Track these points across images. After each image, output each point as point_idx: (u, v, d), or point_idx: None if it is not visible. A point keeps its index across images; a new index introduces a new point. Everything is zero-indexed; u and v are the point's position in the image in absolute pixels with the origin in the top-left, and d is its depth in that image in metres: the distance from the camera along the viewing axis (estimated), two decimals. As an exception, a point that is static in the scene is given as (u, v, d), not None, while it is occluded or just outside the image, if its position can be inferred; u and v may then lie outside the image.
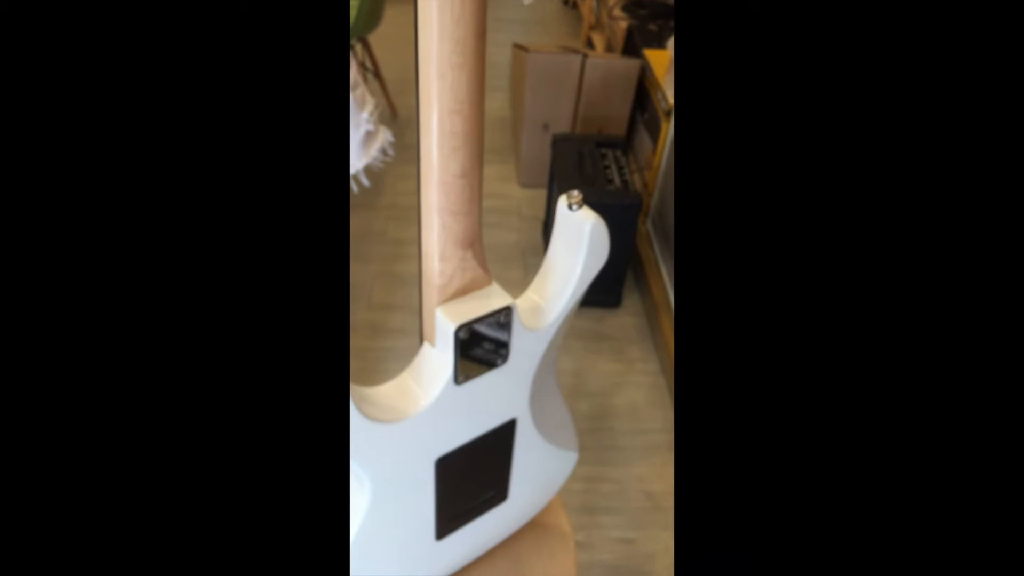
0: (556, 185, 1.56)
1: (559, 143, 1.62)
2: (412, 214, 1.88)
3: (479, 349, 0.47)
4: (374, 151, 0.81)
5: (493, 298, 0.47)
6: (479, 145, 0.40)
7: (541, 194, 1.92)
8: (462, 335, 0.45)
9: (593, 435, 1.27)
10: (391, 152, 0.84)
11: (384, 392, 0.48)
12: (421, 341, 0.49)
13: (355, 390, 0.43)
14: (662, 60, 1.72)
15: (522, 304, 0.51)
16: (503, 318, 0.46)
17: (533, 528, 0.70)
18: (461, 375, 0.47)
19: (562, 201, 0.47)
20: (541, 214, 1.85)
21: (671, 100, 1.55)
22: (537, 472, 0.63)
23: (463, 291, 0.47)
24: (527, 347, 0.50)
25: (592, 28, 2.85)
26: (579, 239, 0.47)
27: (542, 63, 1.76)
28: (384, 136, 0.83)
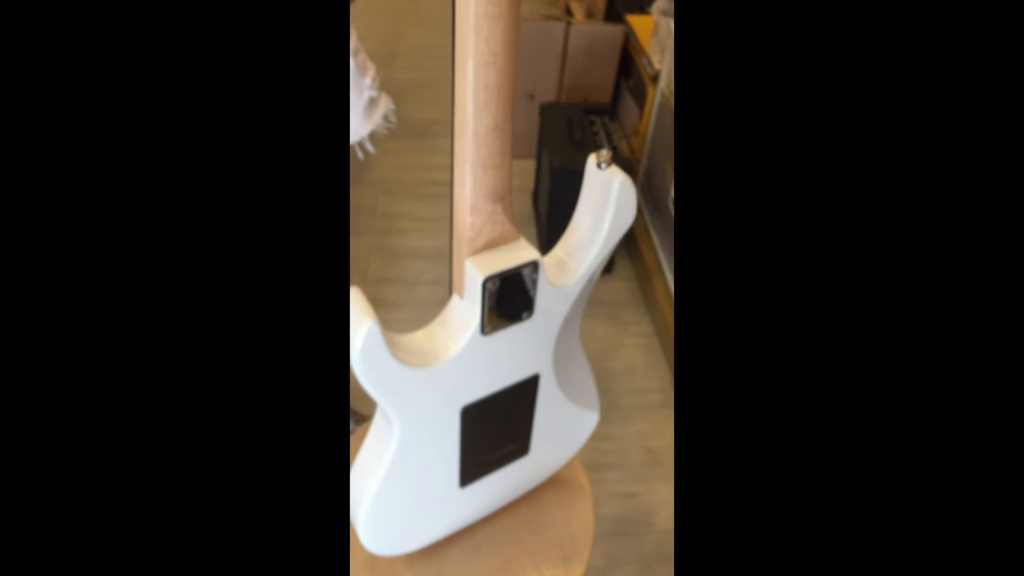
0: (545, 153, 1.57)
1: (547, 111, 1.62)
2: (401, 188, 1.87)
3: (505, 301, 0.49)
4: (377, 117, 0.81)
5: (521, 252, 0.48)
6: (511, 99, 0.42)
7: (528, 164, 1.92)
8: (490, 286, 0.47)
9: (593, 396, 1.31)
10: (394, 119, 0.84)
11: (415, 339, 0.50)
12: (451, 293, 0.51)
13: (388, 335, 0.45)
14: (646, 25, 1.72)
15: (549, 261, 0.52)
16: (530, 272, 0.48)
17: (553, 481, 0.73)
18: (488, 326, 0.48)
19: (591, 160, 0.49)
20: (530, 184, 1.86)
21: (657, 65, 1.56)
22: (558, 429, 0.65)
23: (492, 244, 0.48)
24: (552, 303, 0.51)
25: (570, -3, 2.83)
26: (606, 197, 0.48)
27: (526, 31, 1.76)
28: (386, 103, 0.83)
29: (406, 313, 1.49)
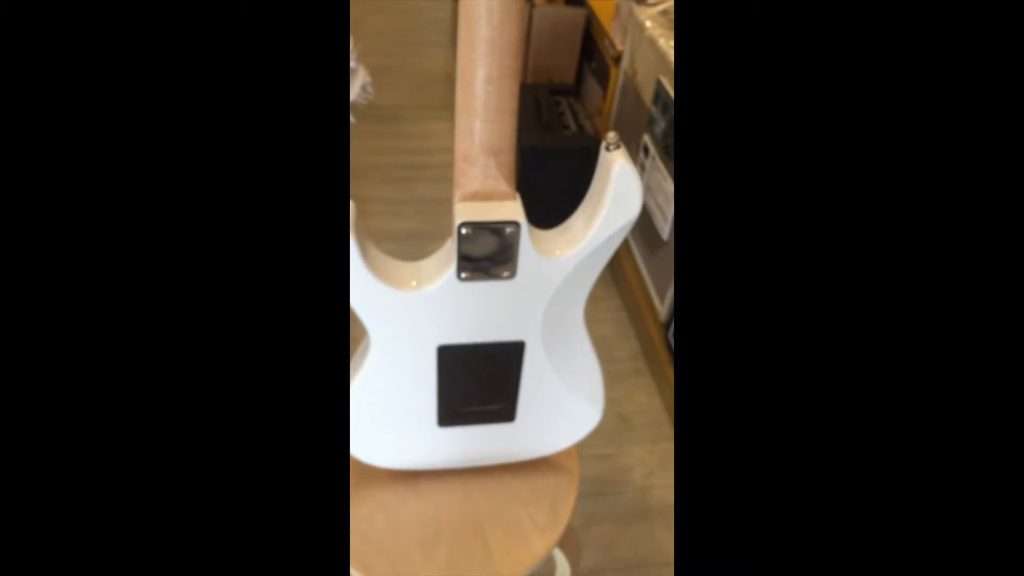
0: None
1: (514, 92, 1.65)
2: (371, 172, 1.88)
3: (482, 255, 0.50)
4: (356, 88, 0.83)
5: (506, 209, 0.50)
6: (510, 55, 0.44)
7: (495, 147, 1.94)
8: (464, 232, 0.49)
9: (567, 366, 1.35)
10: (371, 91, 0.86)
11: (406, 266, 0.53)
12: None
13: (369, 249, 0.49)
14: (607, 8, 1.76)
15: (546, 232, 0.55)
16: (512, 231, 0.49)
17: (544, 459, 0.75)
18: (463, 272, 0.51)
19: (604, 143, 0.49)
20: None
21: (619, 47, 1.60)
22: (550, 411, 0.66)
23: (484, 197, 0.51)
24: (538, 271, 0.53)
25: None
26: (606, 181, 0.50)
27: (490, 14, 1.78)
28: (363, 75, 0.85)
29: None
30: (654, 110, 1.37)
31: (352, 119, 0.82)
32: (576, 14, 1.81)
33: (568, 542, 0.73)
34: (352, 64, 0.79)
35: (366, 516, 0.68)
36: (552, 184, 1.42)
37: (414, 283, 0.52)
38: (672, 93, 1.27)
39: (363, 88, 0.83)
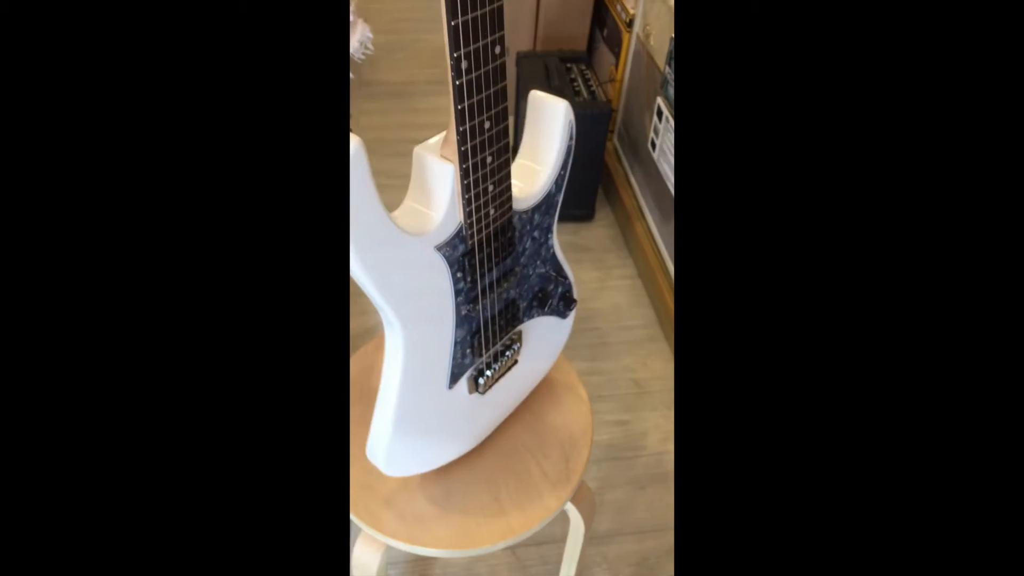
0: (525, 101, 1.57)
1: (524, 60, 1.62)
2: (381, 147, 1.86)
3: None
4: (354, 42, 0.82)
5: None
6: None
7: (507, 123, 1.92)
8: None
9: (583, 335, 1.33)
10: (371, 48, 0.85)
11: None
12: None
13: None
14: (618, -26, 1.72)
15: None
16: None
17: (548, 386, 0.75)
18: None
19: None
20: (510, 140, 1.87)
21: (631, 10, 1.57)
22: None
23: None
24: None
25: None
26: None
27: (499, -17, 1.75)
28: (363, 29, 0.84)
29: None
30: (668, 71, 1.34)
31: (351, 75, 0.81)
32: (586, -20, 1.77)
33: (582, 499, 0.72)
34: (351, 17, 0.77)
35: (375, 471, 0.67)
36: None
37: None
38: (685, 52, 1.23)
39: (362, 43, 0.81)
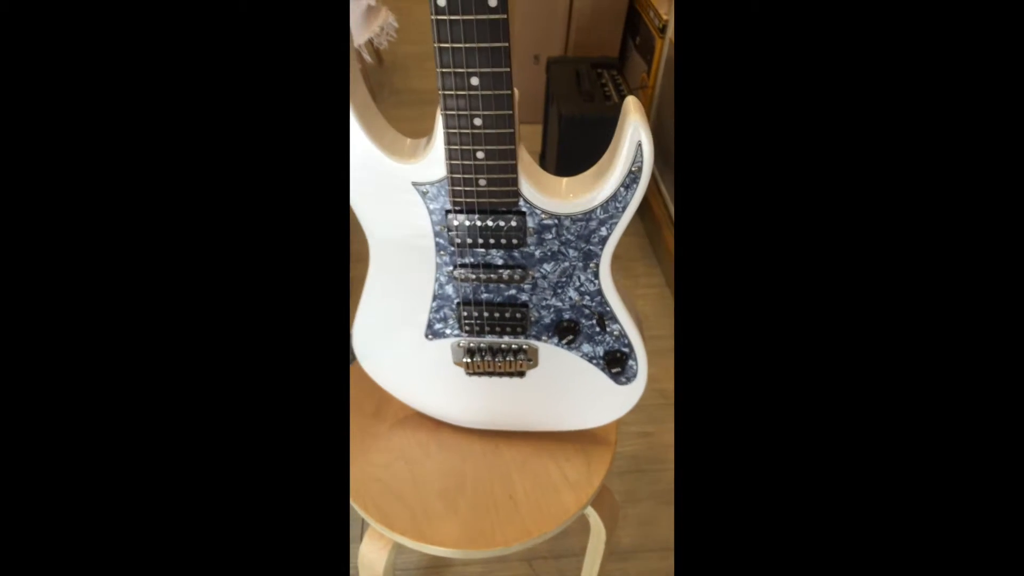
0: (554, 106, 1.55)
1: (554, 65, 1.61)
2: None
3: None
4: (376, 27, 0.81)
5: None
6: None
7: (535, 129, 1.91)
8: None
9: (605, 342, 1.29)
10: (393, 34, 0.84)
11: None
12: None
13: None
14: (651, -18, 1.70)
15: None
16: None
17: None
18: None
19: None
20: (538, 147, 1.85)
21: (664, 16, 1.54)
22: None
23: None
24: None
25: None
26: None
27: (531, -10, 1.74)
28: (386, 15, 0.83)
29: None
30: (700, 75, 1.31)
31: (368, 59, 0.80)
32: (619, -12, 1.75)
33: (603, 503, 0.67)
34: (372, 2, 0.76)
35: (386, 464, 0.64)
36: (591, 155, 1.36)
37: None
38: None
39: (384, 29, 0.80)
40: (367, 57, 0.81)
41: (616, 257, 0.54)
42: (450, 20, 0.41)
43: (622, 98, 1.49)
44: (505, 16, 0.40)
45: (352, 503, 0.61)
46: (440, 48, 0.42)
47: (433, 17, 0.41)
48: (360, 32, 0.79)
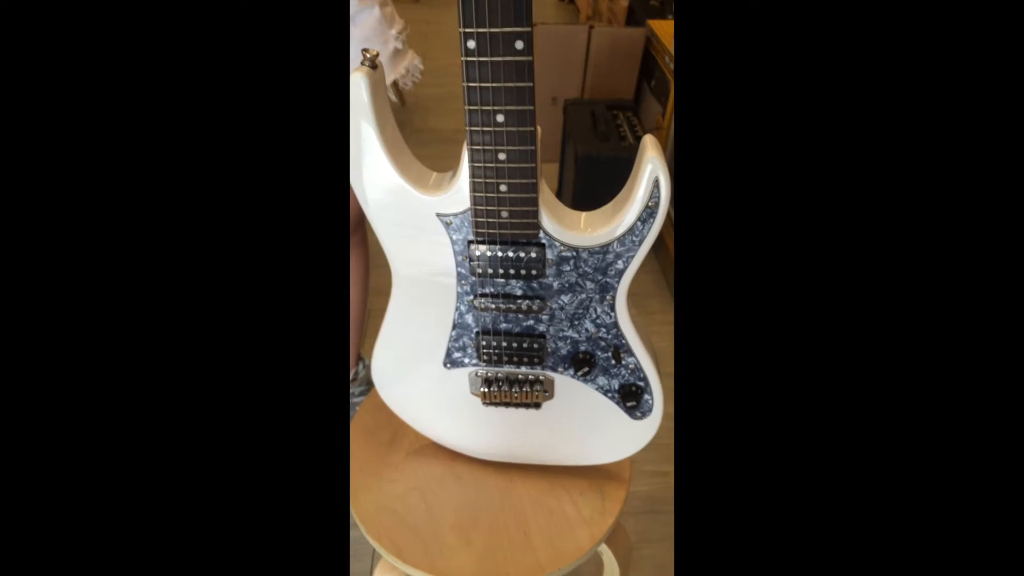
0: (570, 145, 1.58)
1: (571, 107, 1.64)
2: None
3: None
4: (401, 69, 0.84)
5: None
6: None
7: (552, 168, 1.94)
8: None
9: (620, 380, 1.29)
10: (418, 76, 0.86)
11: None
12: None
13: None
14: (667, 29, 1.75)
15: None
16: None
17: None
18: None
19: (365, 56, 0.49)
20: (555, 185, 1.88)
21: (679, 61, 1.58)
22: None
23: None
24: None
25: (589, 18, 2.90)
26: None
27: (550, 35, 1.80)
28: (412, 57, 0.86)
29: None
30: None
31: (393, 99, 0.82)
32: (635, 33, 1.80)
33: (617, 541, 0.67)
34: (399, 44, 0.79)
35: (400, 496, 0.64)
36: (605, 193, 1.39)
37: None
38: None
39: (410, 71, 0.83)
40: (392, 97, 0.83)
41: (631, 294, 0.55)
42: (479, 61, 0.43)
43: (636, 139, 1.52)
44: (531, 58, 0.42)
45: (365, 534, 0.61)
46: (468, 87, 0.44)
47: (463, 59, 0.43)
48: (387, 73, 0.82)
